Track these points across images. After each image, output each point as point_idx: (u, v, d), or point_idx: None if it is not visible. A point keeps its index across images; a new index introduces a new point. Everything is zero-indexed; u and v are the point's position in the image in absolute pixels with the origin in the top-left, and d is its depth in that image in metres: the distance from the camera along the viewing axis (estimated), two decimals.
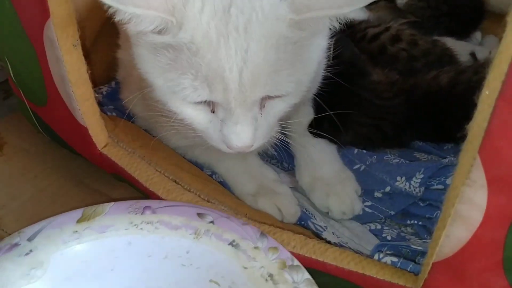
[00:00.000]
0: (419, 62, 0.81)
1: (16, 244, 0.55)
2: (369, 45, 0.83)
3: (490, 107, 0.35)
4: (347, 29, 0.85)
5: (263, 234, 0.57)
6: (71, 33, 0.56)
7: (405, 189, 0.67)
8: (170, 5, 0.50)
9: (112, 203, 0.59)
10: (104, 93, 0.86)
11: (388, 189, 0.69)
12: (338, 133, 0.69)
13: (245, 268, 0.54)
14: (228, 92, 0.51)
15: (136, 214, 0.58)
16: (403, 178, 0.67)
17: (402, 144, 0.74)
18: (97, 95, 0.66)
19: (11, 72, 0.74)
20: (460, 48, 0.89)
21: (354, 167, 0.73)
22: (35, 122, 0.81)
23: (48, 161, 0.61)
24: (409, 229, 0.68)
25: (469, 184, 0.39)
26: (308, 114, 0.71)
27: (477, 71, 0.71)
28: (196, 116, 0.56)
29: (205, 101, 0.54)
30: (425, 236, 0.65)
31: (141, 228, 0.57)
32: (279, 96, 0.55)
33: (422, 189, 0.67)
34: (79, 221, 0.58)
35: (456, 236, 0.43)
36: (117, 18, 0.48)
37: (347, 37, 0.77)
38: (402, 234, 0.67)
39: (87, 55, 0.60)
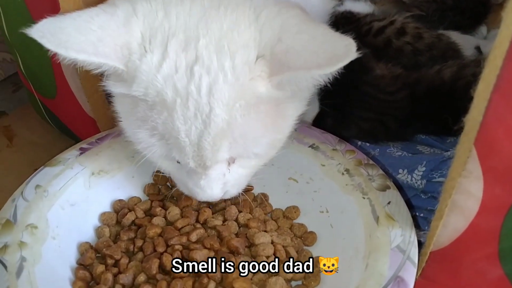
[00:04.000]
0: (424, 56, 0.81)
1: None
2: (375, 39, 0.83)
3: (486, 100, 0.36)
4: (352, 23, 0.86)
5: (341, 140, 0.63)
6: None
7: (407, 181, 0.68)
8: (125, 53, 0.46)
9: None
10: None
11: None
12: (341, 128, 0.70)
13: (323, 165, 0.61)
14: (185, 154, 0.47)
15: None
16: (405, 171, 0.68)
17: (405, 138, 0.74)
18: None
19: (21, 65, 0.75)
20: (465, 42, 0.88)
21: None
22: (44, 114, 0.83)
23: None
24: None
25: (465, 175, 0.40)
26: (313, 109, 0.71)
27: (480, 66, 0.71)
28: (162, 162, 0.53)
29: None
30: (426, 227, 0.65)
31: None
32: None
33: (424, 181, 0.67)
34: None
35: (453, 226, 0.44)
36: (60, 59, 0.44)
37: (351, 32, 0.77)
38: None
39: None
